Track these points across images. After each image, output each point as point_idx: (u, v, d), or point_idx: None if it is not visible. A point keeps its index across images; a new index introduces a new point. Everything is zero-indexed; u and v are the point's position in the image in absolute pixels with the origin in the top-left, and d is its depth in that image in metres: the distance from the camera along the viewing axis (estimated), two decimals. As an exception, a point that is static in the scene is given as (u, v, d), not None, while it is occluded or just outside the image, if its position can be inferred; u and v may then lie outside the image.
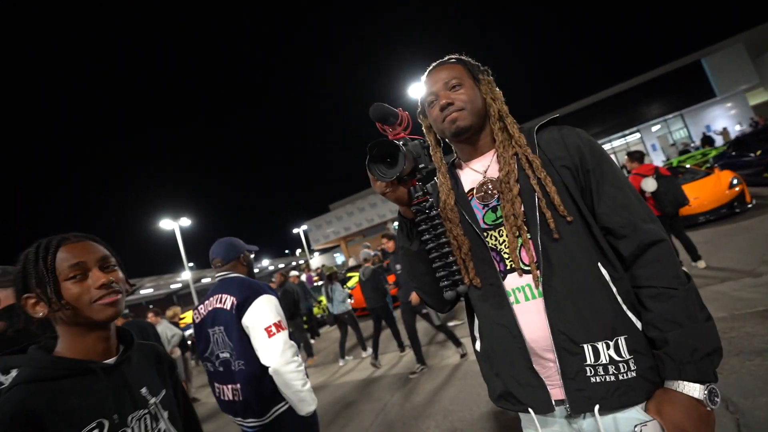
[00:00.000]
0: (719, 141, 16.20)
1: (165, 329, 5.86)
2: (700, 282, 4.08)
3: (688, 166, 9.07)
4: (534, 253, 0.86)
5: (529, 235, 0.87)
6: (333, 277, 6.40)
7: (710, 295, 3.66)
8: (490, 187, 0.96)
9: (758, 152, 7.49)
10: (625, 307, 0.82)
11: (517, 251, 0.89)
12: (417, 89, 9.53)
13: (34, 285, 0.79)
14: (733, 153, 8.61)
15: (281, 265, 48.60)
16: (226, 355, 1.64)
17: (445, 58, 1.04)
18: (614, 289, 0.83)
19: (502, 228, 0.92)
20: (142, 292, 30.55)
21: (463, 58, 1.03)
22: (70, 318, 0.81)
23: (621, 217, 0.85)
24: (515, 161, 0.93)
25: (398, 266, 4.89)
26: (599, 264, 0.84)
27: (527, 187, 0.89)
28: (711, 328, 0.78)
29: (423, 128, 1.10)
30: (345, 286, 10.16)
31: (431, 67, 1.03)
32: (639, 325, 0.82)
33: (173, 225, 19.26)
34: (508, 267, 0.91)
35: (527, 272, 0.88)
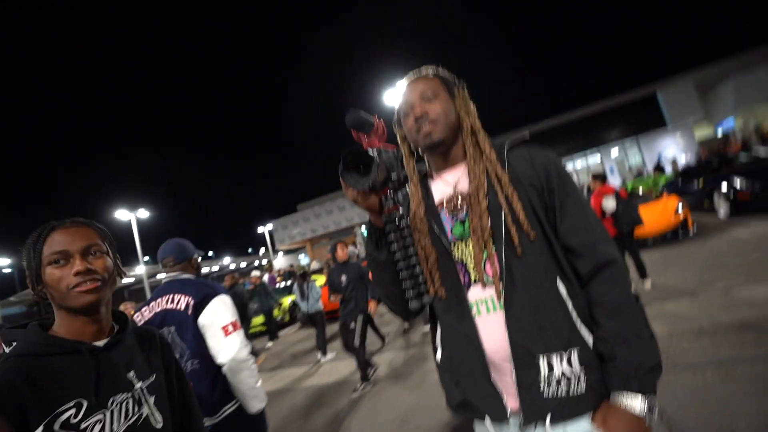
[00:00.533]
0: (669, 169, 17.45)
1: None
2: (647, 299, 4.34)
3: (641, 189, 9.70)
4: (498, 267, 0.89)
5: (494, 249, 0.90)
6: (307, 276, 6.33)
7: (654, 312, 3.91)
8: (459, 200, 0.98)
9: (701, 182, 8.12)
10: (578, 322, 0.87)
11: (482, 264, 0.92)
12: (392, 96, 9.66)
13: (26, 267, 0.85)
14: (681, 181, 9.30)
15: (243, 264, 47.13)
16: (176, 356, 1.60)
17: (422, 70, 1.05)
18: (569, 304, 0.87)
19: (469, 240, 0.95)
20: (89, 285, 28.48)
21: (439, 71, 1.05)
22: (56, 301, 0.85)
23: (581, 237, 0.89)
24: (485, 176, 0.95)
25: (343, 277, 4.57)
26: (557, 279, 0.88)
27: (495, 202, 0.92)
28: (654, 345, 0.83)
29: (398, 138, 1.11)
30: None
31: (408, 79, 1.04)
32: (590, 340, 0.87)
33: (129, 216, 18.25)
34: (473, 279, 0.94)
35: (490, 285, 0.91)
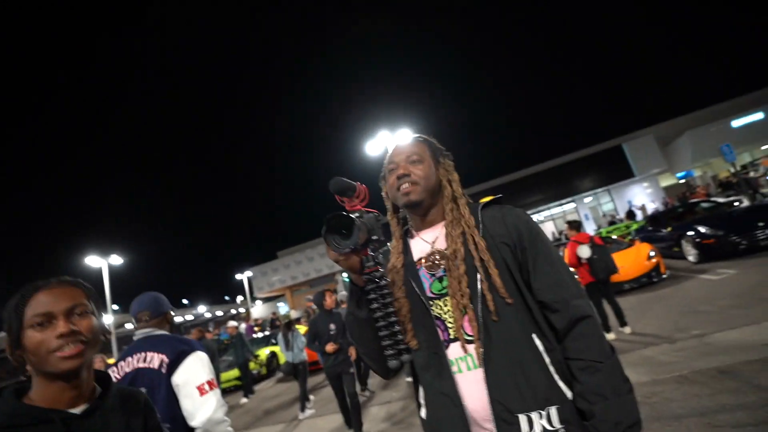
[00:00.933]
0: (639, 215, 18.26)
1: None
2: (627, 346, 4.37)
3: (614, 236, 10.05)
4: (476, 327, 0.91)
5: (472, 309, 0.92)
6: (292, 324, 6.19)
7: (636, 360, 3.92)
8: (437, 257, 1.02)
9: (669, 229, 8.51)
10: (556, 377, 0.88)
11: (461, 323, 0.94)
12: (373, 147, 9.95)
13: (5, 331, 0.79)
14: (650, 228, 9.71)
15: (219, 313, 45.10)
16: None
17: (413, 136, 1.13)
18: (547, 360, 0.89)
19: (447, 299, 0.97)
20: (49, 337, 26.49)
21: (429, 139, 1.13)
22: (35, 366, 0.80)
23: (554, 294, 0.92)
24: (462, 240, 0.99)
25: (332, 326, 4.42)
26: (534, 336, 0.90)
27: (472, 265, 0.95)
28: (632, 401, 0.85)
29: (383, 193, 1.16)
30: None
31: (398, 143, 1.12)
32: (569, 395, 0.87)
33: (101, 262, 17.49)
34: (452, 336, 0.95)
35: (470, 342, 0.92)
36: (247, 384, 8.11)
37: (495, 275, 0.92)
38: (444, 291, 0.98)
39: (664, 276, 6.97)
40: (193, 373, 1.52)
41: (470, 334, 0.92)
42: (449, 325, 0.96)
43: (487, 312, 0.91)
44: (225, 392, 8.97)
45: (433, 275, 1.01)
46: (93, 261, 17.29)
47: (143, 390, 1.51)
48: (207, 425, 1.46)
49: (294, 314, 16.96)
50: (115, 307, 19.44)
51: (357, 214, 0.91)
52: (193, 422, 1.47)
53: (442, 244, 1.03)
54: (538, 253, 0.96)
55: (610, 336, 4.89)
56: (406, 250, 1.09)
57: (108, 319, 18.66)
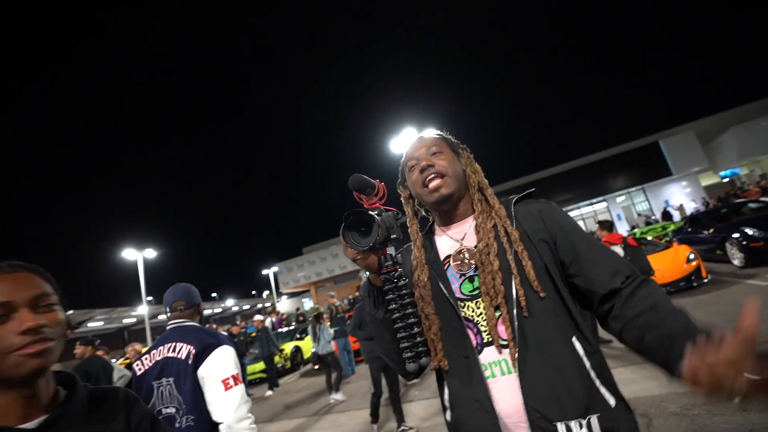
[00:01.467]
0: (677, 216, 17.36)
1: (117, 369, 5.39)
2: (663, 354, 4.14)
3: (649, 238, 9.58)
4: (511, 329, 0.85)
5: (506, 310, 0.86)
6: (320, 317, 6.50)
7: (673, 369, 3.70)
8: (467, 256, 0.95)
9: (711, 230, 8.02)
10: (598, 383, 0.82)
11: (495, 326, 0.88)
12: (398, 144, 9.93)
13: None
14: (690, 229, 9.18)
15: (246, 306, 46.41)
16: (171, 410, 1.51)
17: (428, 132, 1.08)
18: (587, 364, 0.83)
19: (480, 300, 0.91)
20: (91, 324, 28.20)
21: (443, 134, 1.08)
22: None
23: (605, 273, 0.86)
24: (494, 233, 0.93)
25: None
26: (573, 338, 0.84)
27: (505, 260, 0.89)
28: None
29: (402, 199, 1.10)
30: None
31: (416, 138, 1.07)
32: (612, 402, 0.82)
33: (136, 255, 18.33)
34: (485, 340, 0.89)
35: (504, 347, 0.86)
36: (271, 377, 8.28)
37: (529, 267, 0.86)
38: (476, 292, 0.92)
39: (706, 280, 6.56)
40: (218, 367, 1.52)
41: (505, 337, 0.86)
42: (482, 328, 0.90)
43: (522, 313, 0.85)
44: (250, 384, 9.20)
45: (463, 275, 0.95)
46: (129, 254, 18.14)
47: (171, 380, 1.54)
48: (230, 420, 1.45)
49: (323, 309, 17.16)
50: (149, 298, 20.34)
51: (376, 212, 0.89)
52: (216, 416, 1.47)
53: (471, 241, 0.97)
54: (579, 243, 0.90)
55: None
56: (432, 253, 1.03)
57: (143, 310, 19.55)
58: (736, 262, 7.16)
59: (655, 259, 6.71)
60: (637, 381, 3.67)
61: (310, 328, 6.35)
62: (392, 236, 0.92)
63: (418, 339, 0.90)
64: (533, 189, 1.03)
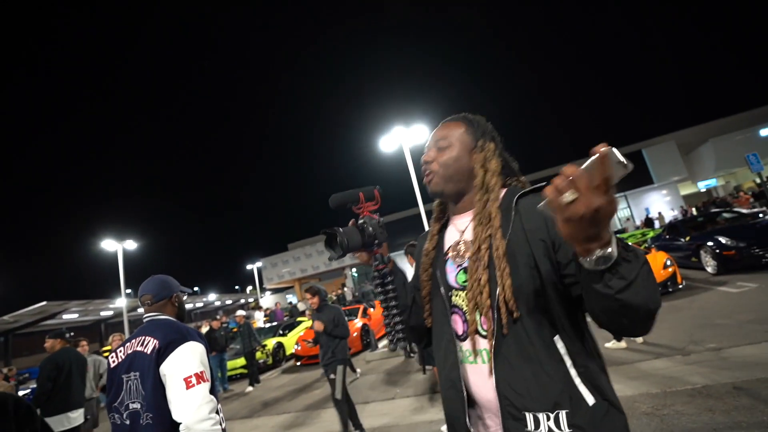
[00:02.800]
0: (657, 223, 17.83)
1: (95, 362, 5.24)
2: (638, 356, 4.27)
3: (629, 243, 9.81)
4: (492, 322, 0.88)
5: (489, 304, 0.88)
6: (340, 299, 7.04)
7: (647, 371, 3.82)
8: (462, 248, 1.00)
9: (687, 238, 8.27)
10: (578, 381, 0.83)
11: (478, 317, 0.92)
12: (387, 142, 9.92)
13: None
14: (667, 236, 9.45)
15: (228, 301, 45.77)
16: (137, 405, 1.46)
17: (456, 116, 1.08)
18: (568, 362, 0.84)
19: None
20: (66, 317, 27.34)
21: (470, 117, 1.06)
22: None
23: None
24: (488, 243, 0.92)
25: (316, 323, 4.25)
26: (556, 338, 0.85)
27: (494, 275, 0.89)
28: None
29: None
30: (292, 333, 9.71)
31: (442, 122, 1.09)
32: (590, 400, 0.82)
33: (116, 246, 17.87)
34: (469, 328, 0.94)
35: (484, 337, 0.91)
36: (252, 373, 8.20)
37: (507, 286, 0.85)
38: (467, 282, 0.95)
39: (681, 286, 6.77)
40: (181, 364, 1.45)
41: (485, 329, 0.91)
42: (468, 317, 0.95)
43: (513, 315, 0.86)
44: (231, 380, 9.10)
45: (459, 266, 0.99)
46: (108, 245, 17.68)
47: (137, 374, 1.48)
48: (189, 421, 1.37)
49: (301, 306, 17.07)
50: (128, 291, 19.89)
51: (362, 220, 1.03)
52: (176, 416, 1.40)
53: (471, 233, 0.99)
54: None
55: (620, 345, 4.78)
56: (440, 242, 1.09)
57: (121, 303, 19.10)
58: (709, 269, 7.40)
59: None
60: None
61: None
62: (375, 241, 1.04)
63: (397, 327, 1.02)
64: (546, 183, 1.01)
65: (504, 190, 1.00)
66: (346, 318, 4.34)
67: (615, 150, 0.59)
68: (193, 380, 1.43)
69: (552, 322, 0.86)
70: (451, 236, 1.06)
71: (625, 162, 0.59)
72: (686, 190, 22.78)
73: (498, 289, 0.87)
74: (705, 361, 3.71)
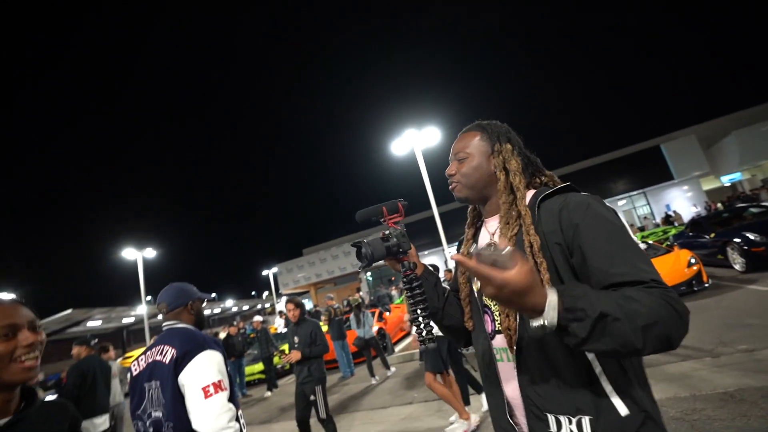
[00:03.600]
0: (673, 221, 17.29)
1: (120, 368, 5.38)
2: (664, 359, 4.12)
3: (650, 242, 9.56)
4: (515, 324, 0.91)
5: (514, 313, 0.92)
6: (361, 306, 7.50)
7: (674, 374, 3.68)
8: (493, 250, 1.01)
9: (712, 235, 7.98)
10: (609, 389, 0.80)
11: (506, 317, 0.94)
12: (398, 145, 9.96)
13: None
14: (690, 233, 9.15)
15: (245, 307, 46.34)
16: (159, 414, 1.47)
17: (470, 125, 1.14)
18: (597, 369, 0.81)
19: None
20: (90, 324, 28.12)
21: (484, 124, 1.11)
22: None
23: (619, 264, 0.78)
24: (515, 241, 0.93)
25: (296, 339, 4.05)
26: None
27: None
28: (616, 320, 0.68)
29: None
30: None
31: (459, 134, 1.15)
32: (623, 410, 0.78)
33: (136, 255, 18.31)
34: (497, 328, 0.98)
35: (509, 338, 0.93)
36: (270, 378, 8.25)
37: (546, 280, 0.84)
38: None
39: (707, 285, 6.53)
40: (199, 373, 1.45)
41: (510, 329, 0.93)
42: (496, 317, 0.99)
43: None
44: (249, 385, 9.18)
45: None
46: (129, 254, 18.13)
47: (158, 383, 1.50)
48: (208, 430, 1.38)
49: (321, 308, 17.12)
50: (149, 298, 20.33)
51: (388, 231, 1.11)
52: (195, 425, 1.40)
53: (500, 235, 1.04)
54: (598, 240, 0.81)
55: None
56: (475, 240, 1.15)
57: (142, 310, 19.53)
58: (737, 266, 7.13)
59: (656, 264, 6.63)
60: (636, 385, 3.65)
61: (353, 316, 7.20)
62: (400, 249, 1.11)
63: (424, 330, 1.06)
64: (569, 183, 0.97)
65: (532, 192, 1.01)
66: (324, 334, 4.09)
67: (478, 250, 0.70)
68: (211, 389, 1.44)
69: None
70: (483, 239, 1.12)
71: (491, 245, 0.70)
72: (709, 185, 22.06)
73: None
74: (736, 364, 3.55)
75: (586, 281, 0.82)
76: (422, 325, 1.07)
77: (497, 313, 0.98)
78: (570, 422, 0.81)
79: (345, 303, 13.32)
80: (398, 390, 5.87)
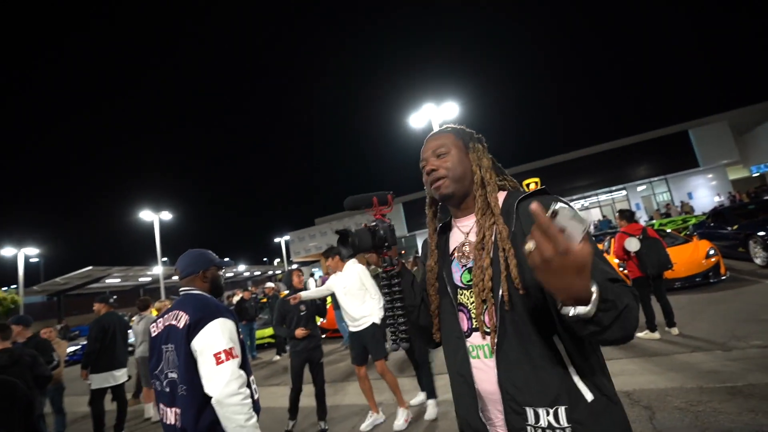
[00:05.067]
0: (674, 213, 16.71)
1: (147, 323, 5.48)
2: (672, 348, 4.10)
3: (668, 230, 9.33)
4: (494, 319, 0.93)
5: (492, 302, 0.94)
6: (377, 278, 7.18)
7: (680, 365, 3.67)
8: (467, 249, 1.07)
9: (735, 227, 7.74)
10: (576, 378, 0.87)
11: (482, 314, 0.97)
12: (417, 118, 9.76)
13: None
14: (712, 224, 8.89)
15: (257, 273, 47.52)
16: (174, 375, 1.53)
17: (440, 129, 1.16)
18: (567, 360, 0.88)
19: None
20: (108, 281, 29.29)
21: (455, 127, 1.15)
22: None
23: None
24: (492, 231, 0.99)
25: (302, 307, 4.03)
26: (555, 337, 0.89)
27: (497, 257, 0.95)
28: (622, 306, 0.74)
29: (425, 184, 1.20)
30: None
31: (427, 137, 1.15)
32: (589, 396, 0.86)
33: (153, 217, 18.75)
34: (474, 326, 1.00)
35: (488, 334, 0.96)
36: (279, 343, 8.53)
37: (513, 266, 0.91)
38: (471, 281, 1.01)
39: (724, 277, 6.40)
40: (211, 340, 1.50)
41: (488, 326, 0.95)
42: (473, 314, 1.00)
43: (504, 306, 0.93)
44: (259, 348, 9.51)
45: (464, 266, 1.05)
46: (146, 215, 18.56)
47: (172, 347, 1.54)
48: (219, 395, 1.44)
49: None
50: (165, 259, 20.95)
51: (374, 223, 1.09)
52: (207, 389, 1.47)
53: (475, 234, 1.05)
54: None
55: (654, 336, 4.60)
56: (444, 243, 1.15)
57: (158, 270, 20.19)
58: (758, 260, 6.95)
59: (673, 253, 6.55)
60: (641, 373, 3.65)
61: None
62: (386, 243, 1.08)
63: (401, 328, 1.06)
64: (544, 187, 1.06)
65: (504, 193, 1.07)
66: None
67: (560, 205, 0.66)
68: (223, 356, 1.49)
69: (551, 321, 0.89)
70: (455, 238, 1.12)
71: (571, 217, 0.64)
72: (736, 174, 21.22)
73: (502, 273, 0.92)
74: (748, 359, 3.51)
75: None
76: (397, 323, 1.06)
77: (474, 311, 1.00)
78: (548, 413, 0.86)
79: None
80: (400, 363, 6.01)
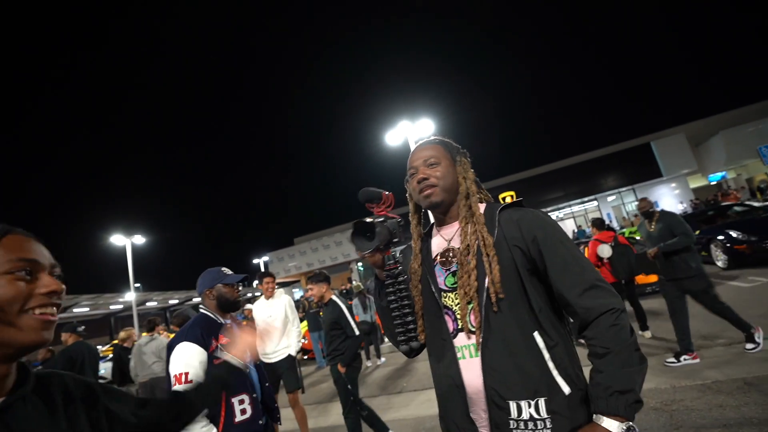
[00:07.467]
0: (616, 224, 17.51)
1: (160, 344, 5.18)
2: (647, 351, 4.24)
3: (638, 237, 9.73)
4: (479, 319, 0.99)
5: (477, 303, 1.00)
6: (364, 292, 7.68)
7: (656, 366, 3.80)
8: (451, 255, 1.11)
9: (697, 232, 8.17)
10: (555, 372, 0.94)
11: (467, 315, 1.02)
12: (393, 136, 9.90)
13: None
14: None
15: (236, 295, 46.03)
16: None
17: (429, 138, 1.21)
18: (546, 355, 0.95)
19: (458, 291, 1.05)
20: (76, 310, 27.77)
21: (444, 139, 1.21)
22: None
23: (574, 288, 0.96)
24: (476, 237, 1.05)
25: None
26: (536, 333, 0.96)
27: (481, 262, 1.02)
28: (634, 372, 0.87)
29: (407, 194, 1.23)
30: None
31: (417, 145, 1.20)
32: (566, 389, 0.92)
33: (125, 241, 18.08)
34: (459, 326, 1.04)
35: (473, 333, 1.01)
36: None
37: (496, 270, 0.98)
38: (456, 285, 1.06)
39: (690, 281, 6.70)
40: (173, 363, 1.65)
41: (474, 325, 1.00)
42: (458, 316, 1.05)
43: (489, 305, 0.99)
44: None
45: (448, 270, 1.10)
46: (117, 240, 17.88)
47: None
48: None
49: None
50: (137, 285, 20.12)
51: (381, 219, 1.07)
52: None
53: (457, 242, 1.11)
54: (555, 254, 0.99)
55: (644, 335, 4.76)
56: (426, 249, 1.19)
57: (131, 297, 19.36)
58: (719, 263, 7.33)
59: (643, 259, 6.84)
60: (619, 377, 3.75)
61: (357, 301, 7.44)
62: (394, 240, 1.08)
63: (411, 326, 1.06)
64: (521, 199, 1.16)
65: (483, 205, 1.14)
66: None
67: None
68: (173, 380, 1.61)
69: (532, 319, 0.98)
70: (438, 244, 1.17)
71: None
72: (696, 182, 22.46)
73: (486, 276, 0.99)
74: (715, 357, 3.68)
75: (550, 277, 0.99)
76: (406, 321, 1.06)
77: (459, 313, 1.04)
78: (529, 406, 0.92)
79: (343, 291, 13.29)
80: (388, 379, 5.95)
